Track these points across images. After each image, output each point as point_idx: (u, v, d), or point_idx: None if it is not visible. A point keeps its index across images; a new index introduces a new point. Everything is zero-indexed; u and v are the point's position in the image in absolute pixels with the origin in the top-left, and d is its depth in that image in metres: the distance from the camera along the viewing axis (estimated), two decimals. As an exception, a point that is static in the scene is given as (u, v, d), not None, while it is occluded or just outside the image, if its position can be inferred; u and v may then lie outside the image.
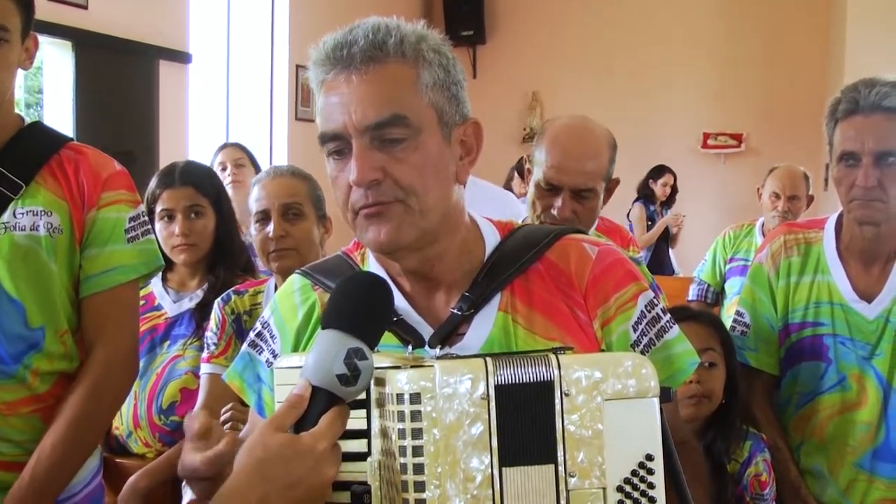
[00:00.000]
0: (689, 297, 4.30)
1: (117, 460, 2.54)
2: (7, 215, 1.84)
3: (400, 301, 1.34)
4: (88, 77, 5.44)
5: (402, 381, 1.09)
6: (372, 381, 1.13)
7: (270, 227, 2.42)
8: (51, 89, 5.53)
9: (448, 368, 1.09)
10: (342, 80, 1.23)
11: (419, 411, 1.08)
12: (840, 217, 2.20)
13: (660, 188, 7.43)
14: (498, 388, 1.09)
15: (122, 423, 2.58)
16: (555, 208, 2.18)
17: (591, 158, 2.19)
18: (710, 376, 2.18)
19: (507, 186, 7.03)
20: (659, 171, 7.52)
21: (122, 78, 5.69)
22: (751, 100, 8.75)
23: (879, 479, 2.08)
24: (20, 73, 1.93)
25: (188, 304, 2.68)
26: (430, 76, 1.26)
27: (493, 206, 2.27)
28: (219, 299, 2.52)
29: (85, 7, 5.35)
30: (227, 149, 4.22)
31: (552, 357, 1.11)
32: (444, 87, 1.28)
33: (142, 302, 2.46)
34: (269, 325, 1.44)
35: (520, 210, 3.28)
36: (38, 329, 1.85)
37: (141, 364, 2.45)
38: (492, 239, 1.39)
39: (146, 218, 2.04)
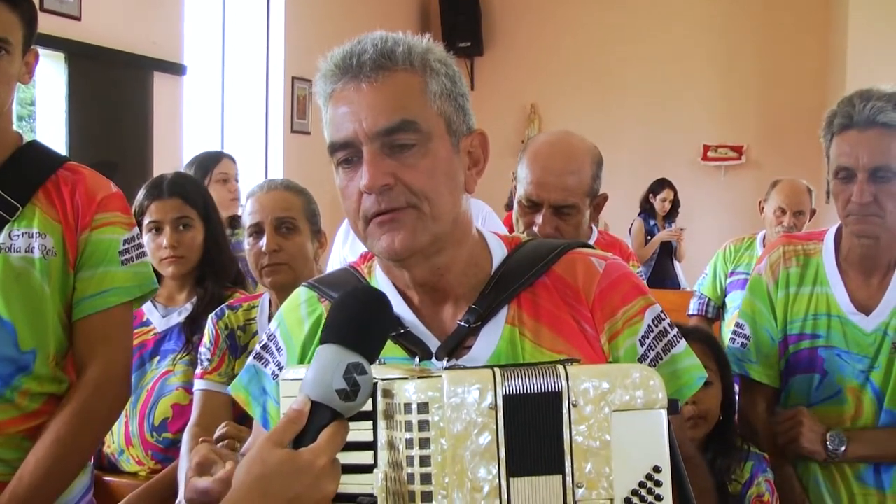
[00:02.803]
0: (690, 312, 4.27)
1: (109, 479, 2.51)
2: (2, 237, 1.83)
3: (407, 313, 1.34)
4: (82, 89, 5.42)
5: (410, 391, 1.09)
6: (379, 393, 1.12)
7: (264, 241, 2.39)
8: (43, 101, 5.50)
9: (456, 378, 1.09)
10: (352, 89, 1.24)
11: (427, 421, 1.07)
12: (839, 229, 2.20)
13: (659, 203, 7.44)
14: (506, 398, 1.09)
15: (113, 441, 2.55)
16: (536, 225, 2.16)
17: (572, 174, 2.17)
18: (707, 395, 2.15)
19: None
20: (659, 186, 7.52)
21: (116, 90, 5.66)
22: (751, 112, 8.77)
23: (888, 493, 2.06)
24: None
25: (177, 318, 2.64)
26: (437, 85, 1.27)
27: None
28: (212, 315, 2.49)
29: (78, 18, 5.34)
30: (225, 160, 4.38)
31: (560, 368, 1.11)
32: (451, 97, 1.29)
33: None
34: (274, 337, 1.44)
35: (486, 210, 3.26)
36: (28, 352, 1.83)
37: (131, 381, 2.44)
38: (499, 252, 1.39)
39: (141, 240, 2.03)
